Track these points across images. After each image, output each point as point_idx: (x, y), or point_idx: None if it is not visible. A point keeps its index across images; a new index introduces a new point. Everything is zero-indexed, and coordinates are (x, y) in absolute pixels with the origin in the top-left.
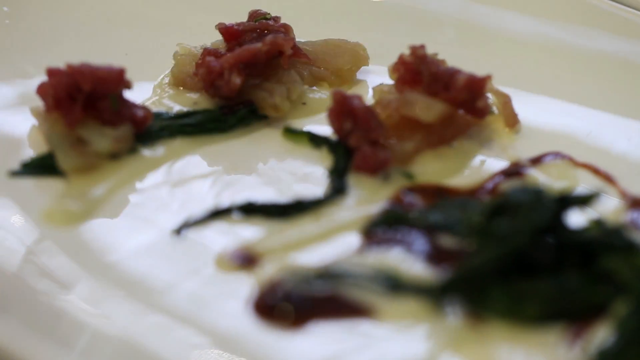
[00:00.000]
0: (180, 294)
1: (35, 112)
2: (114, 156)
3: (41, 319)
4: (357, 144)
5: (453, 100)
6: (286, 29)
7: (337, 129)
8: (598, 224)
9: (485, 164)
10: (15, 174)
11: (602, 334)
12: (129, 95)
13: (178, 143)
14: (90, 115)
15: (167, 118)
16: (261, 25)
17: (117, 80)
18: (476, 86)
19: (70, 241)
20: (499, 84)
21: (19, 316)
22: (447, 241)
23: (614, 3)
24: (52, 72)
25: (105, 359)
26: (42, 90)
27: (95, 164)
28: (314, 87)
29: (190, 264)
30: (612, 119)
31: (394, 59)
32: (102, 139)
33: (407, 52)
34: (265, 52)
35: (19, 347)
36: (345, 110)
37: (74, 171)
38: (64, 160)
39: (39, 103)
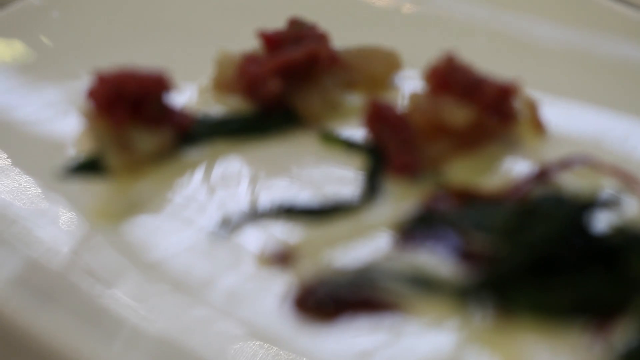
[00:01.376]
0: (219, 291)
1: (82, 114)
2: (158, 158)
3: (86, 314)
4: (389, 148)
5: (483, 106)
6: (323, 36)
7: (371, 133)
8: (623, 228)
9: (513, 169)
10: (63, 173)
11: (630, 332)
12: (172, 98)
13: (218, 146)
14: (135, 118)
15: (208, 122)
16: (299, 32)
17: (161, 83)
18: (506, 92)
19: (115, 239)
20: (527, 89)
21: (66, 310)
22: (475, 244)
23: None
24: (99, 75)
25: (146, 351)
26: (89, 92)
27: (139, 165)
28: (349, 93)
29: (230, 262)
30: (639, 123)
31: (426, 64)
32: (146, 141)
33: (439, 59)
34: (303, 59)
35: (65, 339)
36: (379, 116)
37: (120, 172)
38: (109, 161)
39: (87, 104)
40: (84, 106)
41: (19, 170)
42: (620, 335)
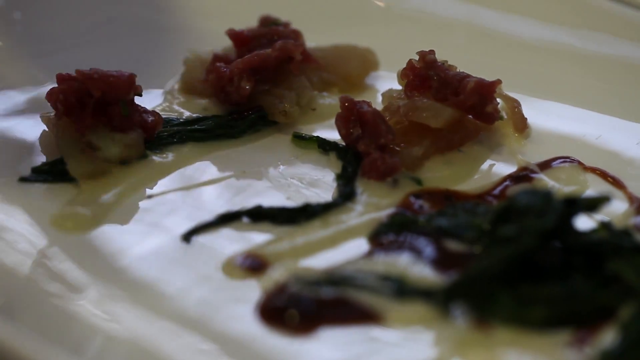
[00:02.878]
0: (189, 299)
1: (45, 119)
2: (124, 162)
3: (52, 323)
4: (365, 150)
5: (462, 105)
6: (296, 35)
7: (346, 134)
8: (606, 227)
9: (494, 169)
10: (25, 179)
11: (609, 338)
12: (139, 101)
13: (188, 149)
14: (100, 121)
15: (177, 124)
16: (271, 30)
17: (127, 86)
18: (485, 91)
19: (81, 246)
20: (508, 89)
21: (30, 320)
22: (455, 246)
23: (623, 7)
24: (62, 78)
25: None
26: (51, 96)
27: (106, 169)
28: (324, 93)
29: (200, 269)
30: (621, 123)
31: (403, 64)
32: (112, 145)
33: (416, 57)
34: (275, 58)
35: (29, 352)
36: (353, 116)
37: (84, 177)
38: (74, 166)
39: (49, 109)
40: (45, 110)
41: None
42: (603, 341)
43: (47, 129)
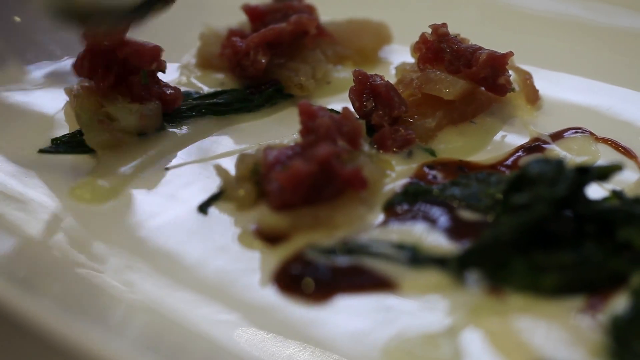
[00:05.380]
0: (207, 269)
1: (67, 91)
2: (142, 133)
3: (72, 294)
4: (379, 122)
5: (474, 77)
6: (310, 9)
7: (359, 107)
8: (617, 195)
9: (506, 140)
10: (45, 150)
11: (620, 304)
12: (159, 74)
13: (205, 122)
14: (119, 92)
15: (194, 98)
16: (285, 5)
17: (151, 55)
18: (498, 63)
19: (99, 217)
20: (520, 61)
21: (51, 291)
22: (468, 215)
23: None
24: (87, 35)
25: (135, 332)
26: (79, 61)
27: (122, 140)
28: (338, 66)
29: (217, 240)
30: (632, 94)
31: (416, 37)
32: (129, 116)
33: (429, 31)
34: (290, 32)
35: (50, 321)
36: (367, 89)
37: (101, 147)
38: (90, 136)
39: (68, 83)
40: (64, 85)
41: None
42: (615, 308)
43: (67, 101)
